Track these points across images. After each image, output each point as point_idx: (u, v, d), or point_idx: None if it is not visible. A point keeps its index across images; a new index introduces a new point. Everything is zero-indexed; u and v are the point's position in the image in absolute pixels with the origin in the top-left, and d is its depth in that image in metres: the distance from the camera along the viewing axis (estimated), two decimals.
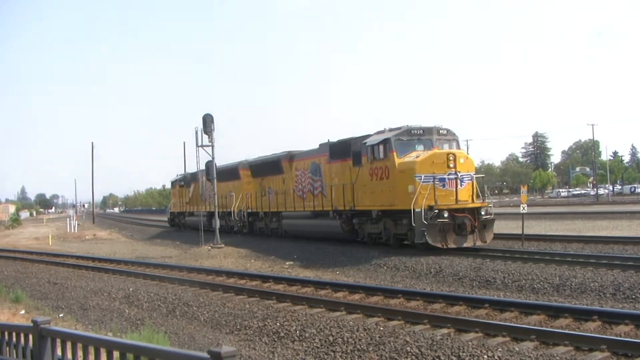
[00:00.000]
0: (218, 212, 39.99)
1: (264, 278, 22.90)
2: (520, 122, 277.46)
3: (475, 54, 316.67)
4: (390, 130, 28.24)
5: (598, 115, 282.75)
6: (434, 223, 24.70)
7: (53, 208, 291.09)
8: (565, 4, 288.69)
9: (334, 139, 32.83)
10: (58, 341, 6.97)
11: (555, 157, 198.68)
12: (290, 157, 37.52)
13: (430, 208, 24.76)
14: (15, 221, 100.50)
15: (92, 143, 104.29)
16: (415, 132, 27.53)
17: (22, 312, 17.80)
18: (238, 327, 15.01)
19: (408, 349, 11.53)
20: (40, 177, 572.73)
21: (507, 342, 11.96)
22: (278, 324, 14.54)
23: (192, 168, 58.48)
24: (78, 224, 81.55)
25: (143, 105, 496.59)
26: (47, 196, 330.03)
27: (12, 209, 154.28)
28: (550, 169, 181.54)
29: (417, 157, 26.30)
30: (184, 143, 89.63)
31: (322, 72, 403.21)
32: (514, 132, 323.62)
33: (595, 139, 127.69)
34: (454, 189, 25.65)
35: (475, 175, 27.19)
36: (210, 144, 38.16)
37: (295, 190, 36.29)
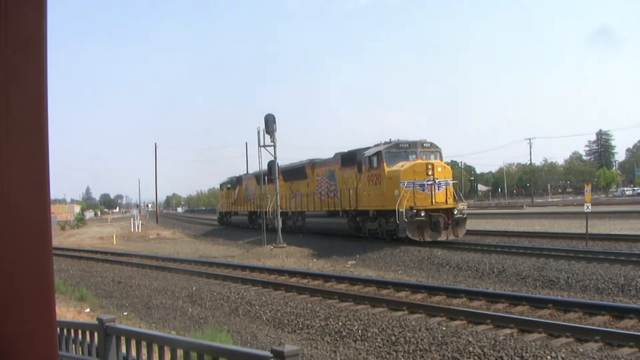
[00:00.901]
0: (279, 212, 40.14)
1: (326, 277, 22.90)
2: (584, 120, 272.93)
3: (540, 54, 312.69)
4: (385, 143, 33.60)
5: None
6: (413, 221, 29.56)
7: (117, 208, 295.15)
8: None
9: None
10: (123, 339, 7.03)
11: (620, 155, 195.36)
12: (312, 164, 42.99)
13: (411, 208, 29.56)
14: (81, 221, 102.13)
15: (155, 144, 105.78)
16: (402, 145, 32.92)
17: (87, 310, 18.11)
18: (300, 326, 15.08)
19: (470, 349, 11.48)
20: (105, 178, 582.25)
21: (571, 342, 11.73)
22: (340, 323, 14.56)
23: (254, 168, 60.73)
24: (142, 224, 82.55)
25: (205, 107, 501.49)
26: (112, 196, 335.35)
27: (77, 209, 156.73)
28: (614, 168, 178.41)
29: (402, 166, 31.37)
30: (246, 143, 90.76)
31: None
32: (577, 130, 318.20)
33: None
34: (431, 193, 30.36)
35: (452, 182, 32.06)
36: (272, 144, 38.37)
37: (315, 193, 41.63)
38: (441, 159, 33.08)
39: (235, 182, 62.87)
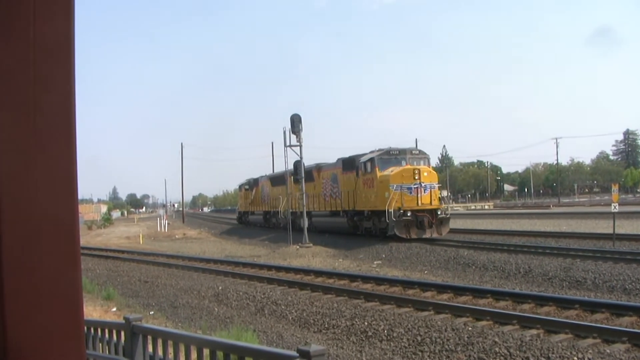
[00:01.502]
0: (305, 212, 40.35)
1: (352, 277, 22.87)
2: (611, 120, 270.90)
3: (568, 54, 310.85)
4: (378, 150, 37.19)
5: None
6: (400, 220, 32.80)
7: (144, 208, 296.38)
8: None
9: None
10: (149, 338, 7.06)
11: None
12: (319, 168, 46.23)
13: (399, 209, 32.87)
14: (107, 220, 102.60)
15: (182, 144, 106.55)
16: (393, 152, 36.72)
17: (114, 309, 18.21)
18: (326, 326, 15.08)
19: (497, 349, 11.43)
20: (131, 178, 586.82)
21: (598, 343, 11.65)
22: (366, 323, 14.55)
23: (280, 167, 62.41)
24: (168, 224, 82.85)
25: (229, 107, 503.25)
26: (138, 196, 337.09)
27: (104, 208, 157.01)
28: None
29: (392, 171, 34.71)
30: (272, 143, 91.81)
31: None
32: (604, 130, 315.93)
33: None
34: (417, 195, 33.60)
35: (437, 185, 35.41)
36: (298, 143, 38.45)
37: (321, 194, 45.14)
38: (429, 165, 37.11)
39: (252, 184, 66.53)
